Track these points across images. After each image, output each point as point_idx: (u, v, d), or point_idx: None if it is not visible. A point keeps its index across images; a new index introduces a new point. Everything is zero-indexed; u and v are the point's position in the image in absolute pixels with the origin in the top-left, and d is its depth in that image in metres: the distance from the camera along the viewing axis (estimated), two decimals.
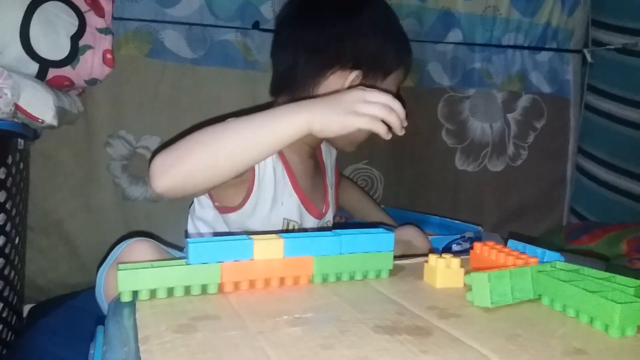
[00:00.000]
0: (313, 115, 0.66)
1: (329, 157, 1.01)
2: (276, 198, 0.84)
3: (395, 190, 1.42)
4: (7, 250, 0.88)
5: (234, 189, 0.81)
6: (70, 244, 1.16)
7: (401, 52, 0.87)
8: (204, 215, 0.88)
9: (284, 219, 0.86)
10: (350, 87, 0.80)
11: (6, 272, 0.88)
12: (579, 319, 0.48)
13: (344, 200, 1.13)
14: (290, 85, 0.85)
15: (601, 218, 1.52)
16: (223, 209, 0.84)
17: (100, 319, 0.54)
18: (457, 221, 1.24)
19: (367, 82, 0.83)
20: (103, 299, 0.75)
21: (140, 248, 0.69)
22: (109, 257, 0.74)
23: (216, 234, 0.86)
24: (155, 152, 0.68)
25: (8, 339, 0.91)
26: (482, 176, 1.49)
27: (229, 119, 0.69)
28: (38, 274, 1.14)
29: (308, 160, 0.91)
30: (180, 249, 0.88)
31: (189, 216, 0.92)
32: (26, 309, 1.08)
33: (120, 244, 0.73)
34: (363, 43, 0.82)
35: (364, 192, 1.24)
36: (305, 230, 0.89)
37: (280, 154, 0.85)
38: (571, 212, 1.62)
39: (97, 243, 1.15)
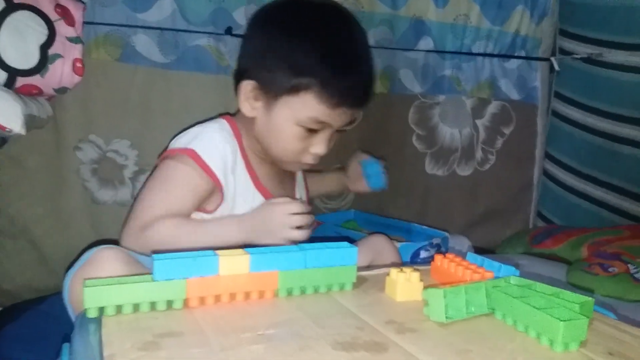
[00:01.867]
0: (250, 238, 0.79)
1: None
2: (246, 202, 0.87)
3: (366, 195, 1.44)
4: None
5: (206, 201, 0.86)
6: (39, 248, 1.14)
7: (302, 77, 0.80)
8: None
9: None
10: (250, 94, 0.84)
11: None
12: (528, 333, 0.51)
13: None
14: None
15: (566, 222, 1.57)
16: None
17: (67, 336, 0.55)
18: (424, 227, 1.27)
19: (264, 94, 0.83)
20: (69, 305, 0.75)
21: (108, 255, 0.69)
22: (77, 262, 0.74)
23: None
24: (128, 216, 0.81)
25: None
26: (451, 180, 1.53)
27: (186, 226, 0.80)
28: (5, 278, 1.12)
29: (271, 164, 0.92)
30: (148, 256, 0.89)
31: None
32: None
33: (89, 250, 0.73)
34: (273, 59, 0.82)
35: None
36: None
37: (244, 155, 0.88)
38: (538, 215, 1.67)
39: (66, 247, 1.14)
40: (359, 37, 0.87)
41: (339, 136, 0.88)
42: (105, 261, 0.68)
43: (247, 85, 0.84)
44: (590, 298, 0.52)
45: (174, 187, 0.82)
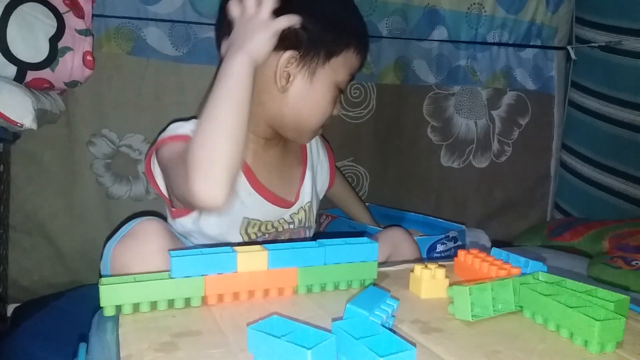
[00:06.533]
0: (243, 48, 0.66)
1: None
2: (242, 203, 0.81)
3: (381, 187, 1.42)
4: None
5: None
6: (54, 244, 1.14)
7: (344, 34, 0.80)
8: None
9: (243, 218, 0.82)
10: (287, 68, 0.78)
11: None
12: (560, 333, 0.49)
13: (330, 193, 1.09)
14: None
15: (584, 214, 1.54)
16: (176, 213, 0.82)
17: (83, 336, 0.54)
18: (441, 220, 1.25)
19: (306, 63, 0.78)
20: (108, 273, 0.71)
21: (153, 228, 0.68)
22: (119, 231, 0.71)
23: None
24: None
25: None
26: (467, 172, 1.51)
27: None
28: (22, 274, 1.13)
29: (273, 148, 0.86)
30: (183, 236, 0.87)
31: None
32: (10, 308, 1.07)
33: (132, 220, 0.71)
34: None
35: (351, 189, 1.19)
36: (279, 238, 0.86)
37: None
38: (555, 207, 1.64)
39: (81, 243, 1.15)
40: None
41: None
42: (150, 234, 0.67)
43: (289, 57, 0.77)
44: (625, 296, 0.50)
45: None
